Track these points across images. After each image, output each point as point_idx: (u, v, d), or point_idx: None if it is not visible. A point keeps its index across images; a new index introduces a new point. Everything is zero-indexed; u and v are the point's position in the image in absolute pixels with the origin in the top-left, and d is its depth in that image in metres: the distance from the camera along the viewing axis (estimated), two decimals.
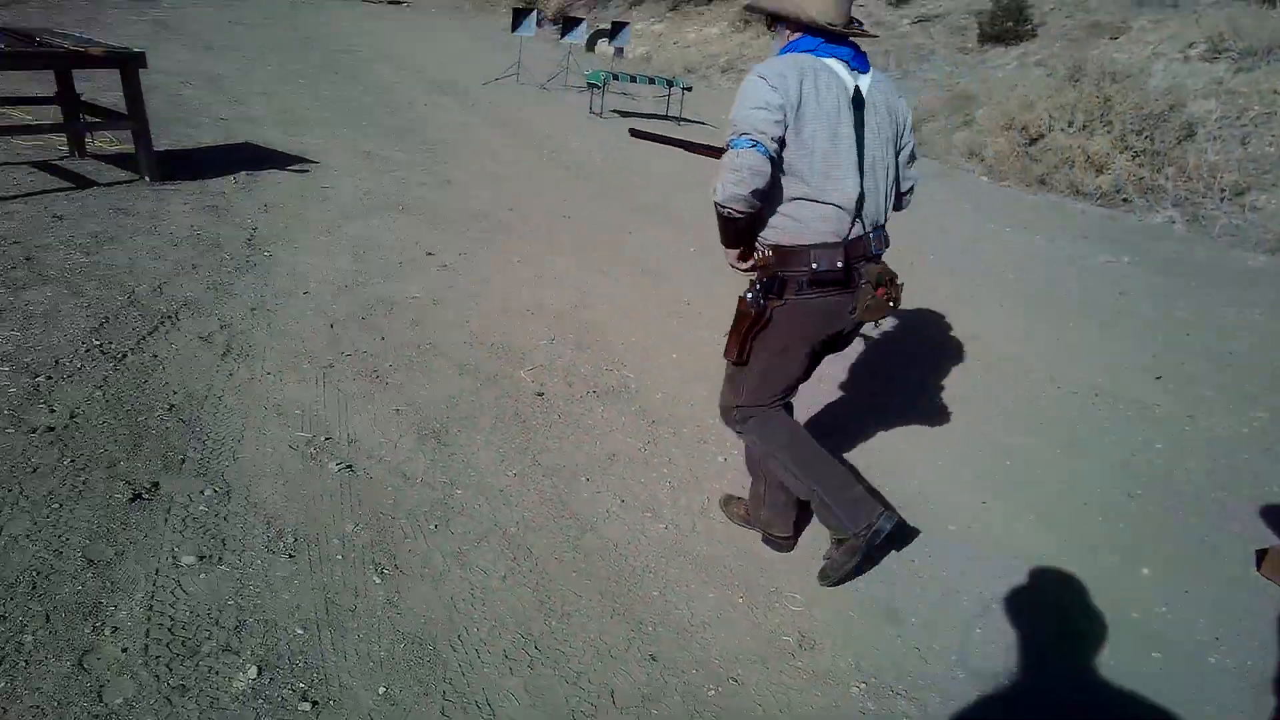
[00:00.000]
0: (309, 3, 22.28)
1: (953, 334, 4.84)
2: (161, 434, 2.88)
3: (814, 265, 2.12)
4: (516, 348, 3.92)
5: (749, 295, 2.23)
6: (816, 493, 2.33)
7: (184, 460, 2.76)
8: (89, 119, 5.46)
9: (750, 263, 2.31)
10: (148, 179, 5.42)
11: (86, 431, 2.82)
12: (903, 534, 2.85)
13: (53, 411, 2.90)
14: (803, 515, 2.76)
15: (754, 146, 1.97)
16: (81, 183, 5.24)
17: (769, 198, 2.10)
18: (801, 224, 2.12)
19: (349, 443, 3.01)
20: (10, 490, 2.50)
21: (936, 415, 3.81)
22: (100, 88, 6.98)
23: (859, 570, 2.54)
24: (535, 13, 12.12)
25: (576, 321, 4.33)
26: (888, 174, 2.21)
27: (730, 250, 2.33)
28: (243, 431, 2.97)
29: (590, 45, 18.52)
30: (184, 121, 7.29)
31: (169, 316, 3.68)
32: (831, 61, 2.09)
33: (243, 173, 5.95)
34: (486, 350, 3.84)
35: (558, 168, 7.58)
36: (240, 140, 6.90)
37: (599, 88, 10.11)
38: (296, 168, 6.32)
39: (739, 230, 2.19)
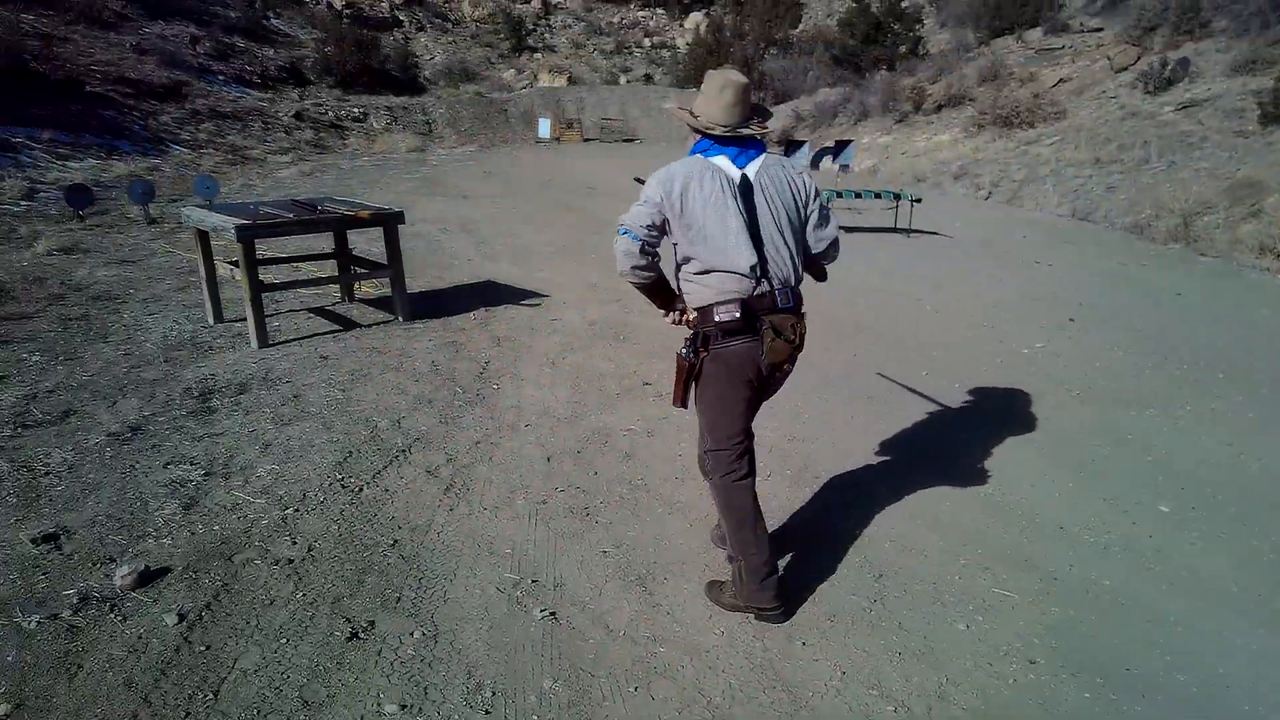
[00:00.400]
0: (556, 148, 24.76)
1: None
2: (384, 569, 2.96)
3: (719, 319, 2.55)
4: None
5: (683, 350, 2.67)
6: (739, 562, 2.74)
7: (399, 598, 2.80)
8: (357, 270, 6.21)
9: (683, 321, 2.74)
10: (400, 319, 6.00)
11: (319, 565, 2.96)
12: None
13: (294, 543, 3.10)
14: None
15: (626, 234, 2.50)
16: (347, 325, 5.92)
17: (686, 272, 2.62)
18: (710, 289, 2.56)
19: (555, 586, 2.92)
20: (248, 622, 2.64)
21: None
22: (371, 238, 7.99)
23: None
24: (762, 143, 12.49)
25: (794, 455, 4.05)
26: (786, 242, 2.56)
27: (660, 310, 2.80)
28: (455, 570, 2.98)
29: (815, 164, 18.73)
30: (438, 264, 8.11)
31: (403, 451, 3.90)
32: (718, 159, 2.54)
33: (482, 309, 6.43)
34: (698, 488, 3.66)
35: None
36: (483, 279, 7.53)
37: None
38: (529, 302, 6.73)
39: (650, 293, 2.70)
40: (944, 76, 22.64)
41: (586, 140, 27.71)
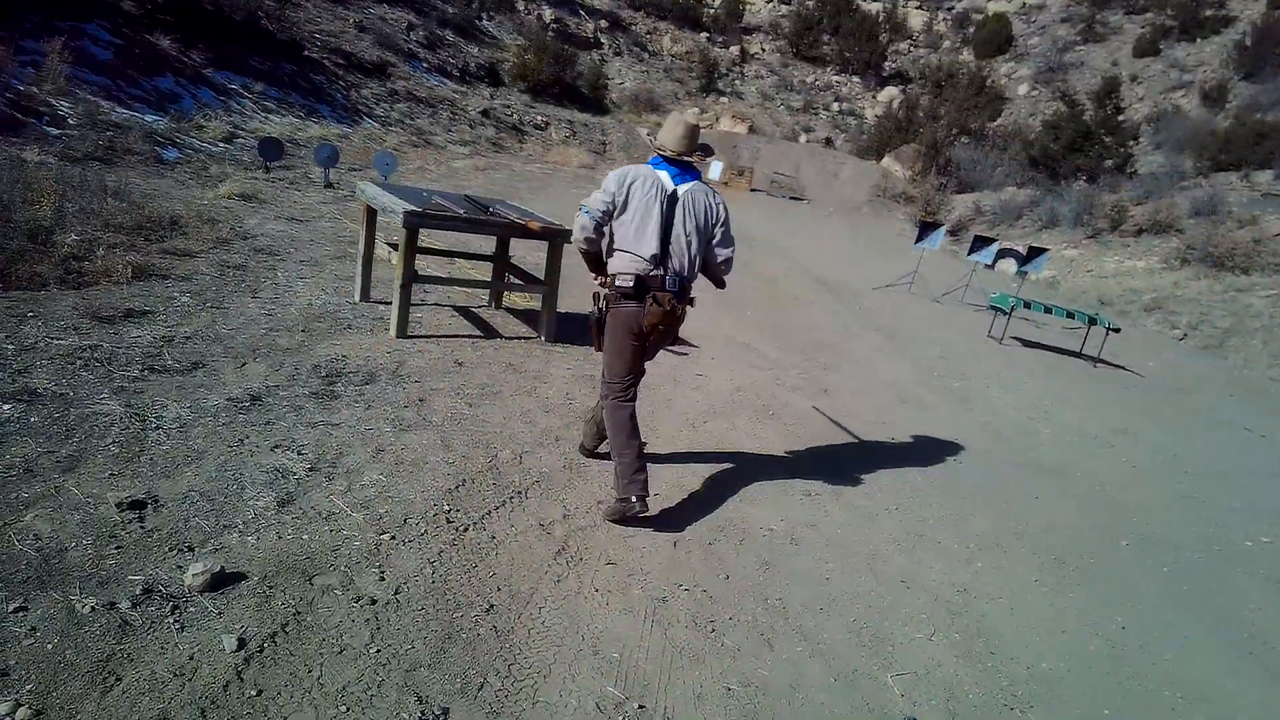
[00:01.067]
0: (722, 191, 24.51)
1: None
2: (472, 640, 2.51)
3: (619, 285, 3.36)
4: (883, 635, 3.06)
5: (597, 307, 3.51)
6: (617, 462, 3.40)
7: (483, 685, 2.34)
8: (512, 279, 5.94)
9: (601, 282, 3.52)
10: (543, 338, 5.67)
11: (403, 615, 2.54)
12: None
13: (382, 579, 2.70)
14: None
15: (586, 213, 3.37)
16: (488, 332, 5.63)
17: (610, 248, 3.42)
18: (621, 263, 3.36)
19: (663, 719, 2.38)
20: (311, 671, 2.24)
21: None
22: (531, 247, 7.78)
23: (630, 523, 3.40)
24: (942, 228, 11.67)
25: (968, 616, 3.36)
26: (690, 246, 3.38)
27: (592, 273, 3.62)
28: (552, 665, 2.49)
29: (991, 262, 17.61)
30: (587, 286, 7.80)
31: (519, 493, 3.47)
32: (661, 173, 3.37)
33: None
34: (844, 628, 3.04)
35: (948, 396, 6.71)
36: None
37: (1005, 313, 9.11)
38: (677, 349, 6.28)
39: (591, 261, 3.57)
40: (1151, 200, 20.98)
41: (753, 190, 27.38)
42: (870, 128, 34.84)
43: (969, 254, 11.70)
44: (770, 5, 43.59)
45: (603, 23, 34.79)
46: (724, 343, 6.83)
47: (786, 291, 9.84)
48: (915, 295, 11.47)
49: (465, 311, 6.00)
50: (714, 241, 3.49)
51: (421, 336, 5.21)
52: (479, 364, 4.92)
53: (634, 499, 3.30)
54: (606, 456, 3.65)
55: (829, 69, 42.25)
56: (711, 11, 39.52)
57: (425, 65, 23.57)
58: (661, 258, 3.32)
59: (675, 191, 3.36)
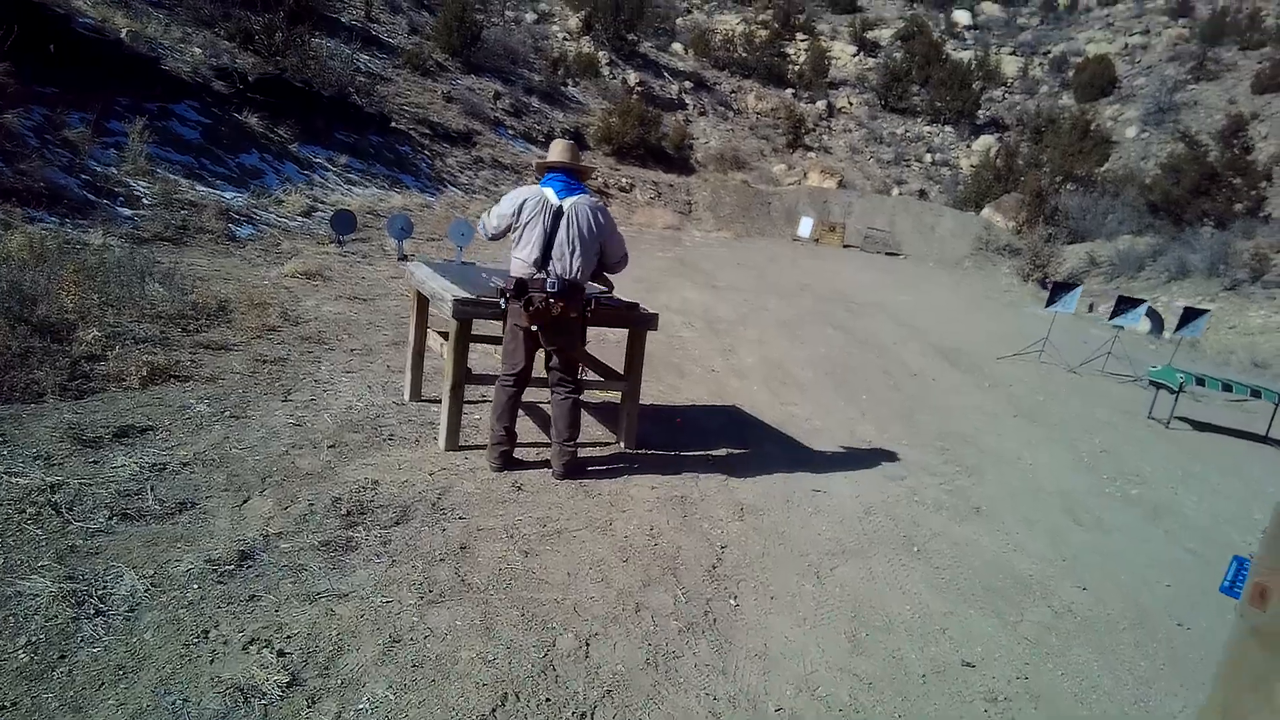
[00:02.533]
0: (814, 249, 23.42)
1: None
2: None
3: (505, 286, 3.93)
4: None
5: (500, 302, 4.01)
6: (489, 431, 4.14)
7: None
8: (586, 371, 4.99)
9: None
10: (622, 444, 4.69)
11: None
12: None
13: None
14: None
15: (483, 229, 4.21)
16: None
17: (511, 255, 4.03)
18: (512, 267, 3.96)
19: None
20: None
21: None
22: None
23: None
24: (1078, 289, 10.21)
25: None
26: (574, 253, 3.88)
27: None
28: None
29: (1116, 313, 15.83)
30: (676, 368, 6.82)
31: (584, 715, 2.43)
32: (548, 190, 3.94)
33: (723, 448, 4.97)
34: None
35: (1130, 509, 5.34)
36: (728, 401, 6.11)
37: (1173, 392, 7.57)
38: (784, 449, 5.19)
39: None
40: None
41: (847, 246, 26.14)
42: (966, 178, 33.25)
43: (1111, 318, 10.17)
44: (856, 59, 42.84)
45: (687, 84, 34.61)
46: (842, 436, 5.68)
47: (900, 363, 8.60)
48: (1048, 365, 10.01)
49: (531, 408, 5.09)
50: (603, 248, 4.05)
51: (476, 447, 4.30)
52: (542, 487, 3.95)
53: (489, 462, 4.07)
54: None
55: (920, 120, 41.01)
56: (796, 68, 38.97)
57: (511, 132, 23.58)
58: (543, 262, 3.83)
59: (560, 206, 3.88)
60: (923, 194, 34.06)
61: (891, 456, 5.41)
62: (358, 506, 3.38)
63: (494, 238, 4.07)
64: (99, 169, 9.53)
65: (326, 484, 3.54)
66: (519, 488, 3.88)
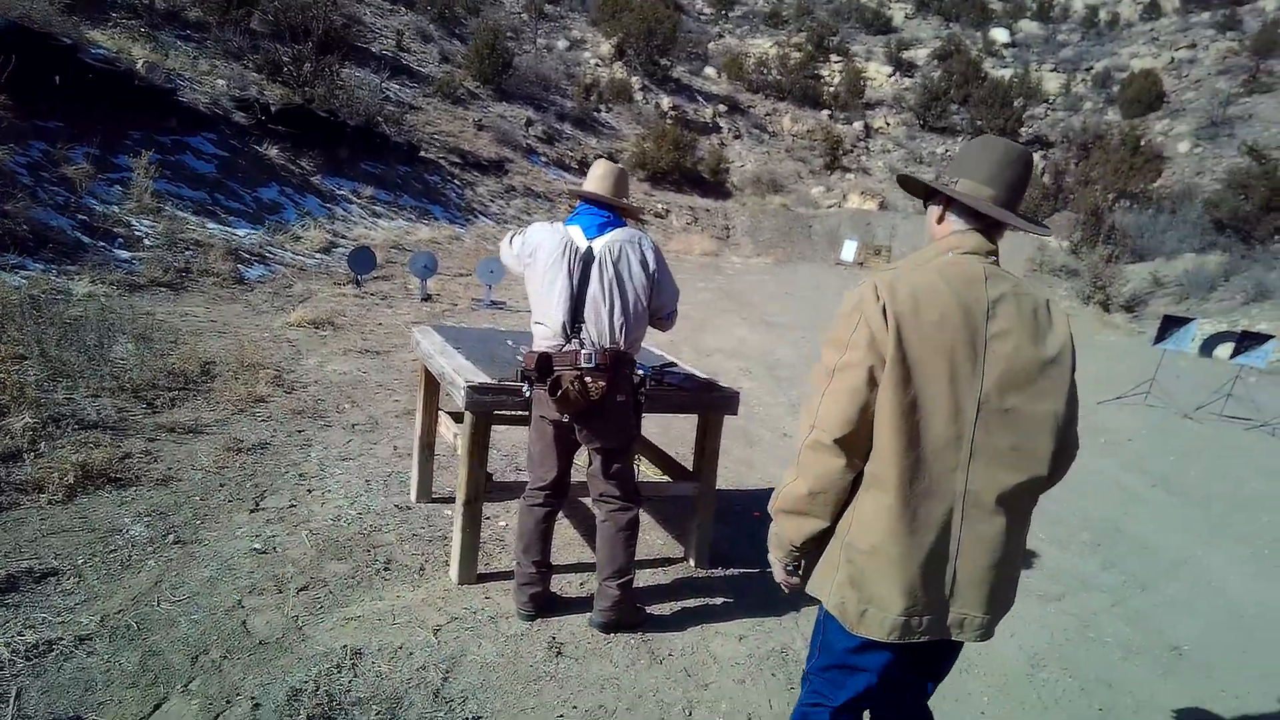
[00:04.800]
0: (858, 272, 22.21)
1: None
2: None
3: (525, 366, 2.86)
4: None
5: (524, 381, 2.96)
6: (516, 567, 3.00)
7: None
8: (643, 467, 3.90)
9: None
10: (692, 562, 3.58)
11: None
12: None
13: None
14: None
15: (503, 253, 3.08)
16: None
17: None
18: (536, 336, 2.89)
19: None
20: None
21: None
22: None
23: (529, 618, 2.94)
24: (1193, 323, 8.92)
25: None
26: (613, 310, 2.79)
27: None
28: None
29: (1206, 349, 14.41)
30: (742, 433, 5.71)
31: None
32: (573, 228, 2.86)
33: None
34: None
35: None
36: None
37: None
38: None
39: None
40: None
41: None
42: None
43: (1234, 356, 8.84)
44: (892, 79, 41.81)
45: (721, 107, 33.77)
46: None
47: None
48: (1157, 408, 8.70)
49: (571, 505, 4.00)
50: (659, 297, 2.95)
51: (500, 576, 3.22)
52: (590, 646, 2.84)
53: (518, 607, 2.99)
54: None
55: (960, 138, 39.76)
56: (831, 89, 37.99)
57: (543, 159, 22.80)
58: (572, 327, 2.81)
59: (590, 248, 2.84)
60: None
61: (1036, 562, 4.21)
62: (325, 705, 2.30)
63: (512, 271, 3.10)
64: (98, 208, 8.74)
65: (286, 661, 2.48)
66: (558, 650, 2.77)
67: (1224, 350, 13.34)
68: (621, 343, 2.82)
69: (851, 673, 1.69)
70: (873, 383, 1.54)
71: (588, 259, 2.80)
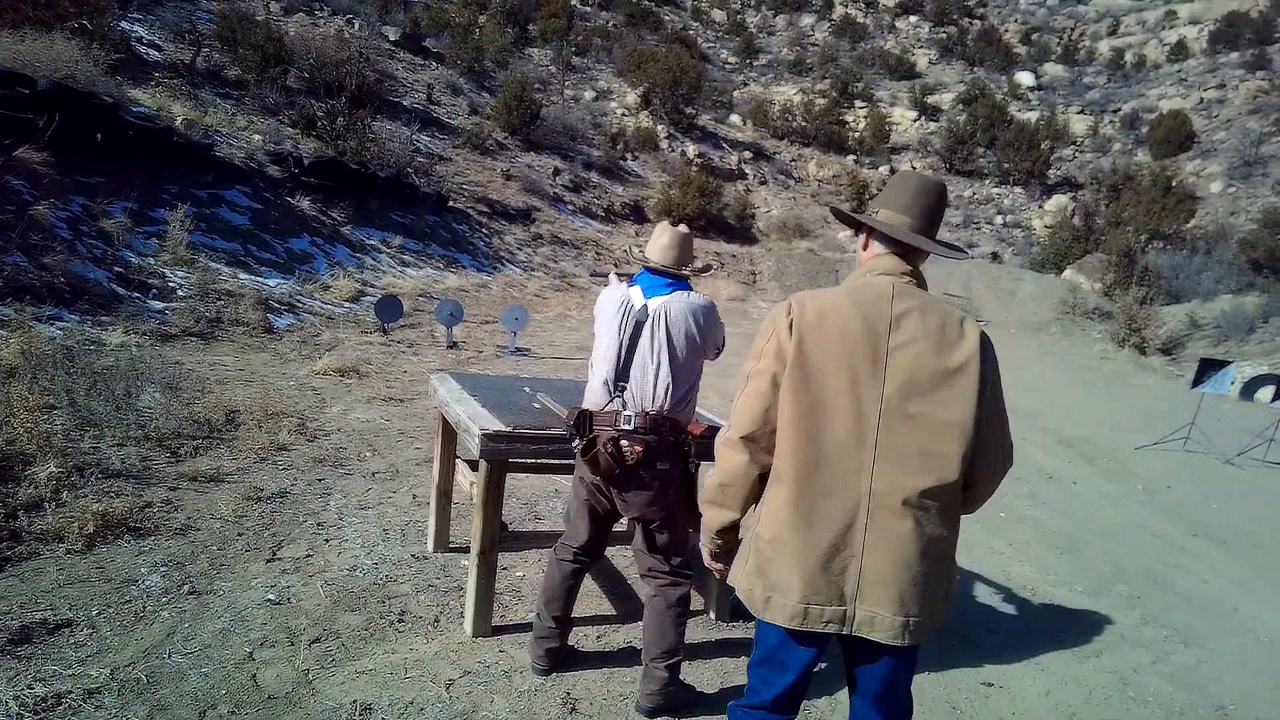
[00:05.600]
0: None
1: None
2: None
3: (568, 420, 2.77)
4: None
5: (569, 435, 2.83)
6: (535, 619, 2.93)
7: None
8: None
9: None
10: (713, 615, 3.49)
11: None
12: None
13: None
14: None
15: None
16: (628, 603, 3.50)
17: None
18: (585, 392, 2.83)
19: None
20: None
21: None
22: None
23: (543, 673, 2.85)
24: (1231, 366, 8.68)
25: None
26: (659, 369, 2.68)
27: None
28: None
29: (1246, 393, 14.05)
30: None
31: None
32: (634, 289, 2.81)
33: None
34: None
35: None
36: None
37: None
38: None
39: None
40: None
41: None
42: (1041, 239, 31.66)
43: (1275, 400, 8.59)
44: (917, 124, 42.03)
45: (746, 154, 34.13)
46: (999, 579, 4.36)
47: (1029, 462, 7.20)
48: (1196, 454, 8.45)
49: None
50: (709, 357, 2.92)
51: (516, 629, 3.15)
52: (605, 705, 2.76)
53: (532, 661, 2.91)
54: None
55: (988, 181, 39.76)
56: (856, 135, 38.26)
57: (570, 208, 23.11)
58: (616, 385, 2.73)
59: (645, 307, 2.78)
60: (995, 256, 32.52)
61: (1070, 615, 4.06)
62: None
63: None
64: (134, 260, 8.97)
65: (293, 717, 2.43)
66: (572, 707, 2.69)
67: (1265, 393, 12.99)
68: (665, 406, 2.69)
69: (780, 669, 1.80)
70: (776, 387, 1.72)
71: (640, 318, 2.74)
